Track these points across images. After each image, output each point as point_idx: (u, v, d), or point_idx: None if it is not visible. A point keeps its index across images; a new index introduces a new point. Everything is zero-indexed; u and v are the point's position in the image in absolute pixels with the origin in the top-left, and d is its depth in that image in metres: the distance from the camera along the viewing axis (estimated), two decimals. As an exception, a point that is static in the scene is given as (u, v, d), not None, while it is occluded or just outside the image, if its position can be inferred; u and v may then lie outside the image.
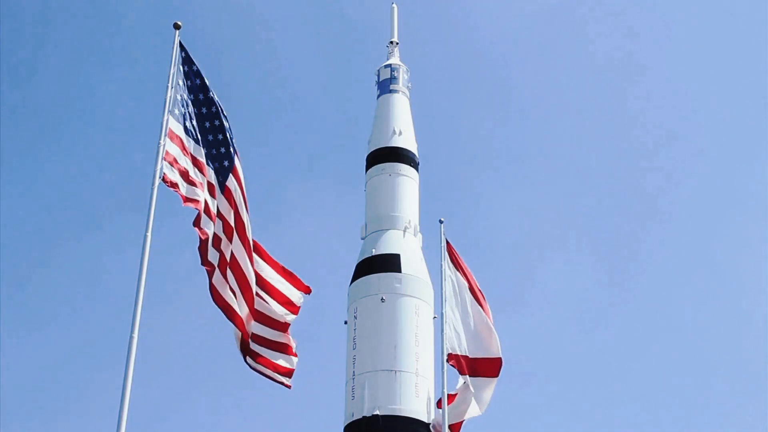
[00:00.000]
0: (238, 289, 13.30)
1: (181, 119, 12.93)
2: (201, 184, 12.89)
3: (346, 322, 15.55)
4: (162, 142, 12.46)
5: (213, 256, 12.95)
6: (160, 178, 12.28)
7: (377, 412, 14.39)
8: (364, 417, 14.46)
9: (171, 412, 34.05)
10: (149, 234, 11.90)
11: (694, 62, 40.97)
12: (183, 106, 13.04)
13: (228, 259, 13.14)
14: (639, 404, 33.90)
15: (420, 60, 25.28)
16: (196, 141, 13.12)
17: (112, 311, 34.41)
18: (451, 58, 40.48)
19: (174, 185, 12.44)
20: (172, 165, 12.49)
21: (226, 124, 13.30)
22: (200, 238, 12.74)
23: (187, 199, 12.60)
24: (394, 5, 18.66)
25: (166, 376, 33.55)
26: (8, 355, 34.00)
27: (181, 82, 13.06)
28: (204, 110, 13.22)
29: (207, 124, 13.24)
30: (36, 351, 36.12)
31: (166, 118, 12.68)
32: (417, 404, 14.61)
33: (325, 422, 19.78)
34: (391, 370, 14.71)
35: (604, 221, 39.89)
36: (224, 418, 33.32)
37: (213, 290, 12.98)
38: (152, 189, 12.15)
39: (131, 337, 11.24)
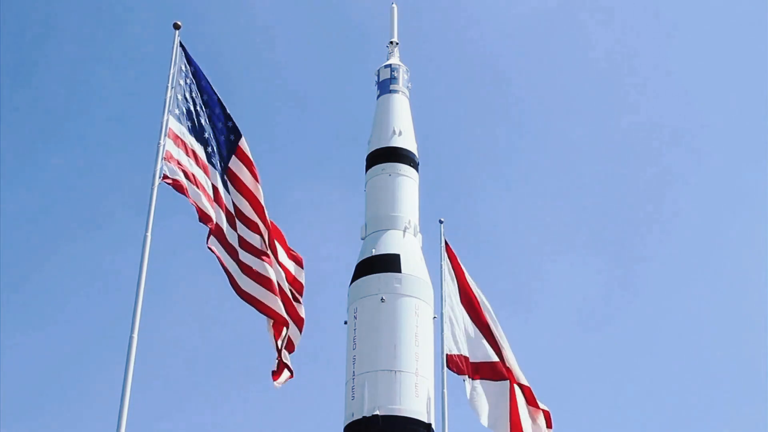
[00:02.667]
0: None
1: (183, 118, 12.92)
2: (201, 184, 12.87)
3: (346, 322, 15.55)
4: (162, 141, 12.46)
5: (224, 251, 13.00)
6: (160, 178, 12.28)
7: (377, 412, 14.38)
8: (363, 417, 14.45)
9: (171, 412, 34.09)
10: (149, 234, 11.90)
11: (697, 61, 41.00)
12: (185, 104, 13.02)
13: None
14: (644, 404, 33.94)
15: (420, 60, 25.28)
16: (200, 140, 13.09)
17: (112, 311, 34.46)
18: (451, 58, 40.53)
19: (176, 185, 12.42)
20: (173, 164, 12.47)
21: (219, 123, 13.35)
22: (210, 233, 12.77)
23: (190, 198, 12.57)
24: (394, 5, 18.64)
25: (166, 376, 33.58)
26: (8, 355, 34.05)
27: (182, 81, 13.05)
28: (207, 109, 13.23)
29: (208, 121, 13.26)
30: (36, 351, 36.16)
31: (166, 117, 12.68)
32: (417, 404, 14.60)
33: (325, 422, 19.80)
34: (391, 370, 14.70)
35: (607, 221, 39.91)
36: (224, 418, 33.36)
37: (234, 285, 13.02)
38: (152, 189, 12.15)
39: (131, 337, 11.24)
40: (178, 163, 12.55)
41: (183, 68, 13.17)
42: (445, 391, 15.77)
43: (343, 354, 15.28)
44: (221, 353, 35.22)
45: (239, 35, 41.02)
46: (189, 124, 13.05)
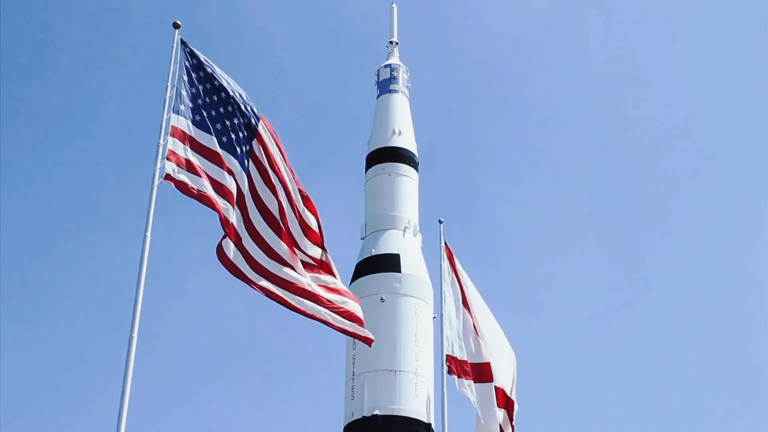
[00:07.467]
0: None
1: (187, 114, 12.84)
2: (209, 175, 12.71)
3: (346, 322, 15.54)
4: (162, 141, 12.42)
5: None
6: (160, 177, 12.24)
7: (377, 412, 14.38)
8: (363, 417, 14.46)
9: (171, 412, 34.11)
10: (149, 234, 11.88)
11: (700, 61, 40.98)
12: (190, 100, 12.96)
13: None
14: (651, 403, 33.93)
15: (420, 60, 25.30)
16: (209, 132, 12.99)
17: (112, 311, 34.48)
18: (451, 58, 40.54)
19: (178, 183, 12.33)
20: (176, 163, 12.40)
21: (240, 106, 13.24)
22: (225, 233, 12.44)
23: (199, 193, 12.37)
24: (393, 5, 18.65)
25: (166, 376, 33.60)
26: (8, 355, 34.05)
27: (185, 77, 13.01)
28: (215, 98, 13.15)
29: (221, 110, 13.17)
30: (36, 351, 36.17)
31: (166, 117, 12.63)
32: (417, 404, 14.61)
33: (325, 422, 19.80)
34: (391, 370, 14.70)
35: (611, 220, 39.89)
36: (224, 418, 33.36)
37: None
38: (152, 189, 12.12)
39: (131, 337, 11.22)
40: (181, 161, 12.48)
41: (186, 64, 13.13)
42: (445, 391, 15.75)
43: (343, 354, 15.29)
44: (221, 353, 35.26)
45: (239, 35, 41.06)
46: (197, 118, 12.94)
